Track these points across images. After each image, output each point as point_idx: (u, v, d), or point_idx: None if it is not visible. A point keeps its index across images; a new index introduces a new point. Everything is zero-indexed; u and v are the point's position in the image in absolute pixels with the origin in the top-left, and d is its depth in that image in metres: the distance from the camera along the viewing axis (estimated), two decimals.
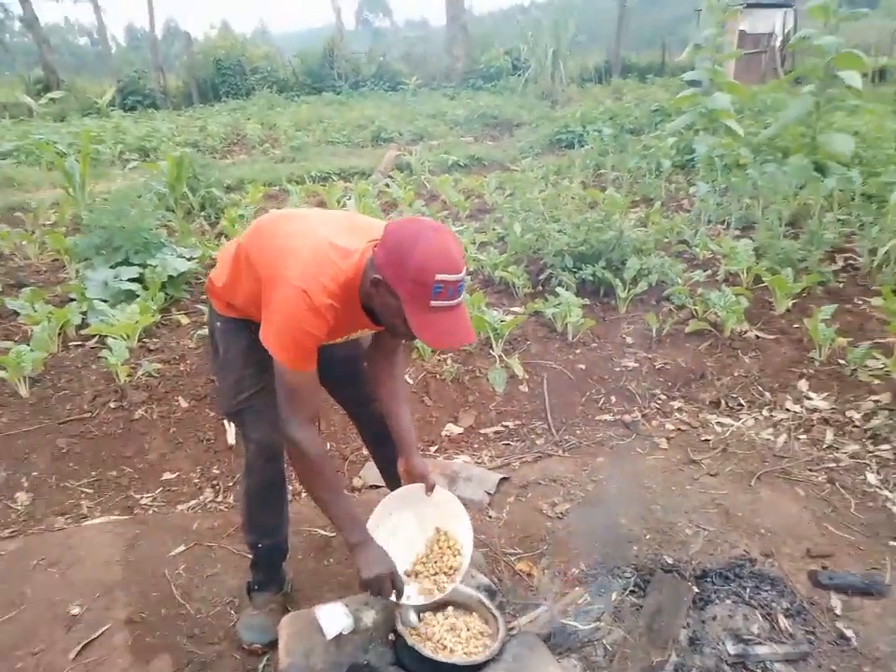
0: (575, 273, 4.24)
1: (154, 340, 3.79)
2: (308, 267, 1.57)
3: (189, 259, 4.62)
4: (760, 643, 1.88)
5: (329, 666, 1.74)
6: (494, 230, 5.27)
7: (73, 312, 3.77)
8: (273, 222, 1.81)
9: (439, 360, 3.51)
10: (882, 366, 3.24)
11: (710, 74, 7.71)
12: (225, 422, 3.15)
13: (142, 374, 3.33)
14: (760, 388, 3.34)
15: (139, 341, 3.70)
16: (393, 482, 2.12)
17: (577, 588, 2.10)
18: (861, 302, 3.96)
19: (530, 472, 2.83)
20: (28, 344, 3.36)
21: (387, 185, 7.32)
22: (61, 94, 14.91)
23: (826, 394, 3.21)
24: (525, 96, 15.18)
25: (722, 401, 3.28)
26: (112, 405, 3.18)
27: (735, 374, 3.45)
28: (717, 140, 7.05)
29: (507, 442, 3.12)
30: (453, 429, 3.20)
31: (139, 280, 4.24)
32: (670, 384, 3.45)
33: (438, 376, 3.44)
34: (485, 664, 1.70)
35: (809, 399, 3.20)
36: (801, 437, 2.96)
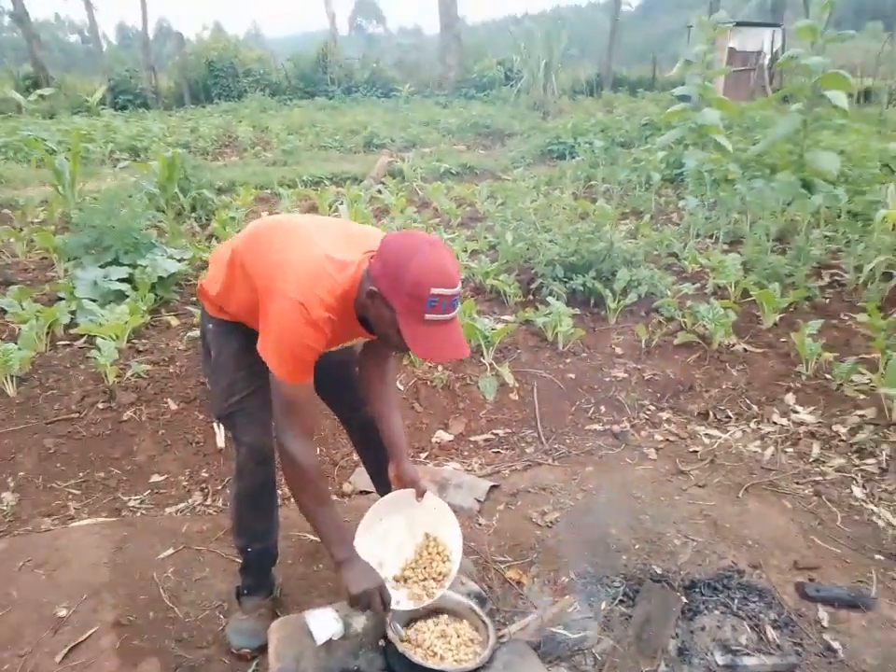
0: (566, 282, 4.27)
1: (143, 341, 3.76)
2: (305, 280, 1.57)
3: (179, 261, 4.60)
4: (748, 654, 1.89)
5: (320, 671, 1.73)
6: (485, 238, 5.30)
7: (61, 311, 3.74)
8: (269, 231, 1.80)
9: (430, 367, 3.52)
10: (867, 381, 3.29)
11: (700, 89, 7.82)
12: (214, 425, 3.13)
13: (131, 375, 3.30)
14: (747, 401, 3.38)
15: (128, 341, 3.67)
16: (383, 487, 2.12)
17: (567, 597, 2.10)
18: (846, 318, 4.02)
19: (520, 480, 2.84)
20: (15, 343, 3.32)
21: (379, 191, 7.34)
22: (51, 91, 14.79)
23: (812, 408, 3.25)
24: (517, 106, 15.29)
25: (711, 413, 3.31)
26: (100, 406, 3.15)
27: (723, 387, 3.49)
28: (706, 155, 7.15)
29: (497, 450, 3.13)
30: (443, 436, 3.21)
31: (129, 280, 4.22)
32: (659, 395, 3.48)
33: (428, 383, 3.45)
34: (476, 671, 1.71)
35: (796, 412, 3.24)
36: (788, 450, 2.99)
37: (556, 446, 3.12)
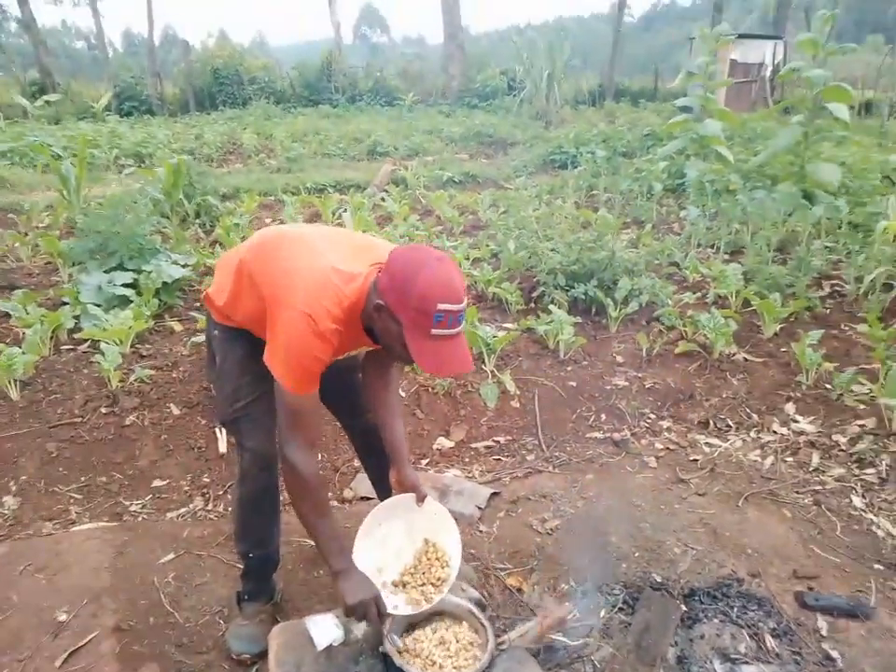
0: (567, 291, 4.29)
1: (147, 346, 3.78)
2: (313, 292, 1.59)
3: (183, 266, 4.62)
4: (747, 662, 1.89)
5: None
6: (487, 246, 5.32)
7: (66, 315, 3.76)
8: (276, 241, 1.81)
9: (431, 374, 3.53)
10: (868, 391, 3.30)
11: (702, 101, 7.87)
12: (216, 430, 3.14)
13: (134, 380, 3.32)
14: (747, 410, 3.39)
15: (132, 346, 3.69)
16: (385, 493, 2.13)
17: (567, 604, 2.11)
18: (847, 329, 4.03)
19: (520, 488, 2.85)
20: (19, 347, 3.34)
21: (383, 199, 7.37)
22: (57, 97, 14.87)
23: (812, 417, 3.26)
24: (519, 116, 15.35)
25: (711, 422, 3.32)
26: (103, 410, 3.16)
27: (724, 396, 3.50)
28: (707, 166, 7.18)
29: (498, 457, 3.14)
30: (444, 443, 3.22)
31: (133, 286, 4.24)
32: (659, 403, 3.49)
33: (430, 390, 3.46)
34: None
35: (796, 421, 3.25)
36: (788, 459, 3.00)
37: (557, 454, 3.12)
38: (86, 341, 3.71)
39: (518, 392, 3.49)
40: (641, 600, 2.12)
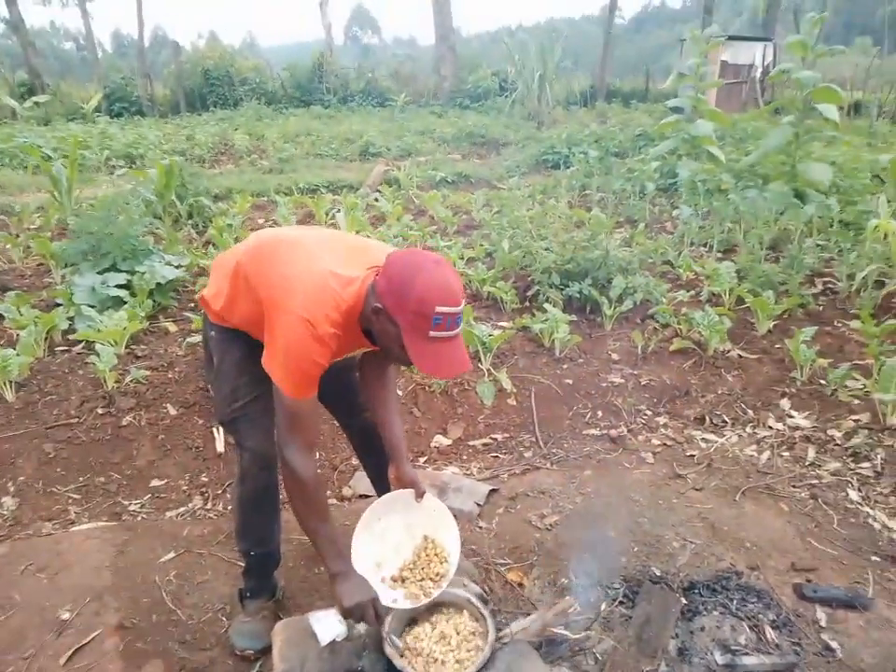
0: (562, 289, 4.31)
1: (142, 347, 3.77)
2: (311, 296, 1.59)
3: (177, 267, 4.61)
4: (747, 654, 1.91)
5: None
6: (481, 245, 5.34)
7: (60, 317, 3.74)
8: (273, 244, 1.80)
9: (430, 376, 3.54)
10: (861, 386, 3.33)
11: (693, 101, 7.93)
12: (214, 430, 3.14)
13: (130, 381, 3.31)
14: (743, 406, 3.41)
15: (127, 347, 3.68)
16: (384, 491, 2.13)
17: (567, 597, 2.12)
18: (840, 325, 4.07)
19: (519, 484, 2.86)
20: (14, 349, 3.33)
21: (376, 199, 7.38)
22: (46, 98, 14.77)
23: (808, 413, 3.29)
24: (511, 117, 15.40)
25: (707, 418, 3.34)
26: (100, 411, 3.15)
27: (719, 392, 3.52)
28: (699, 165, 7.23)
29: (495, 454, 3.15)
30: (442, 441, 3.23)
31: (127, 287, 4.22)
32: (655, 400, 3.51)
33: (427, 388, 3.47)
34: None
35: (791, 417, 3.28)
36: (784, 454, 3.03)
37: (554, 450, 3.14)
38: (80, 342, 3.70)
39: (514, 390, 3.50)
40: (641, 593, 2.13)
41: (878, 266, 4.39)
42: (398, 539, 2.00)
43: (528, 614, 2.06)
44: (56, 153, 8.30)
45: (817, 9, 6.02)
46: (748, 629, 1.99)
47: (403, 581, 1.93)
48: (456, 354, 1.59)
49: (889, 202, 5.38)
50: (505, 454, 3.15)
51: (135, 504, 2.76)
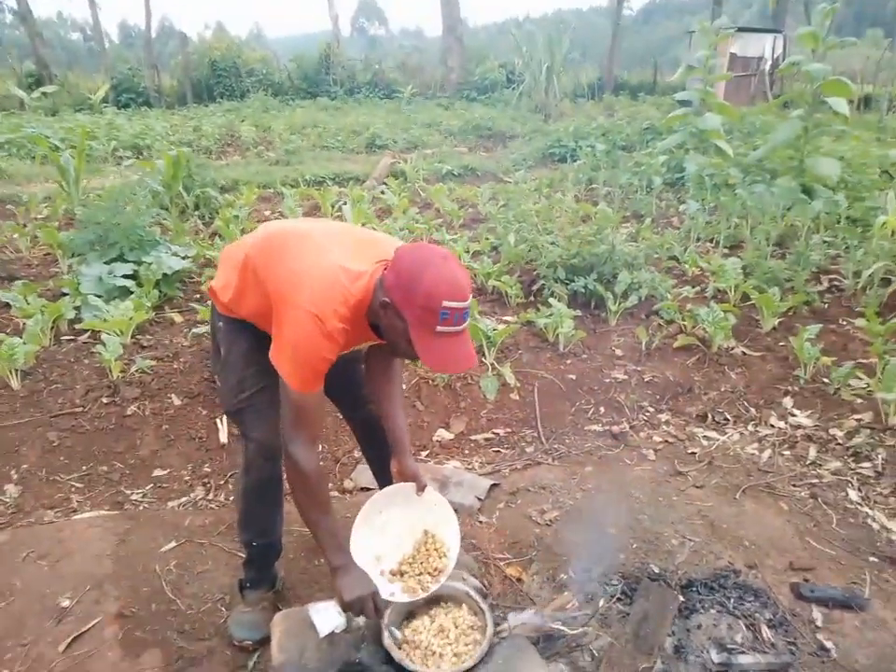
0: (567, 284, 4.30)
1: (147, 337, 3.78)
2: (320, 291, 1.60)
3: (183, 258, 4.63)
4: (743, 652, 1.91)
5: (323, 664, 1.76)
6: (487, 239, 5.33)
7: (66, 306, 3.76)
8: (283, 238, 1.81)
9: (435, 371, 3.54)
10: (865, 385, 3.32)
11: (701, 94, 7.87)
12: (217, 421, 3.16)
13: (135, 371, 3.33)
14: (745, 404, 3.41)
15: (132, 337, 3.70)
16: (386, 483, 2.14)
17: (566, 593, 2.13)
18: (845, 323, 4.05)
19: (520, 479, 2.87)
20: (20, 337, 3.35)
21: (382, 192, 7.36)
22: (54, 89, 14.81)
23: (810, 411, 3.28)
24: (518, 109, 15.34)
25: (709, 415, 3.34)
26: (104, 400, 3.17)
27: (722, 389, 3.52)
28: (707, 159, 7.18)
29: (497, 449, 3.15)
30: (444, 435, 3.23)
31: (133, 277, 4.24)
32: (658, 396, 3.51)
33: (430, 382, 3.47)
34: (475, 667, 1.73)
35: (793, 415, 3.27)
36: (785, 452, 3.02)
37: (556, 446, 3.14)
38: (86, 331, 3.72)
39: (518, 385, 3.50)
40: (639, 590, 2.14)
41: (885, 264, 4.36)
42: (398, 532, 2.01)
43: (527, 609, 2.07)
44: (64, 143, 8.31)
45: (827, 0, 5.93)
46: (744, 628, 2.00)
47: (402, 574, 1.94)
48: (463, 349, 1.59)
49: None
50: (507, 448, 3.16)
51: (138, 493, 2.78)
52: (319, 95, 18.01)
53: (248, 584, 2.09)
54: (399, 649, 1.77)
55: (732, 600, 2.10)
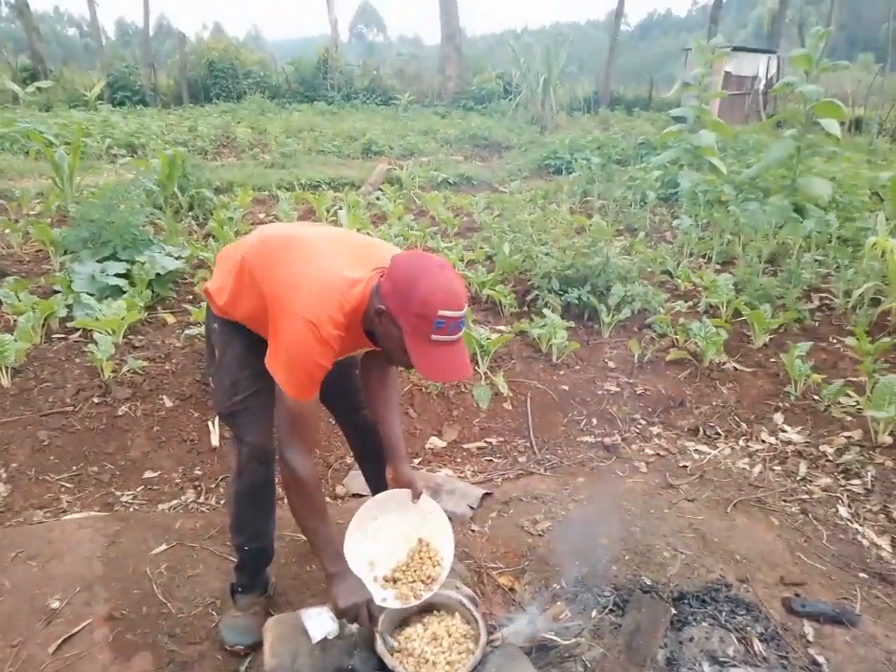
0: (561, 295, 4.32)
1: (139, 337, 3.76)
2: (316, 298, 1.60)
3: (177, 259, 4.60)
4: (735, 665, 1.92)
5: (315, 670, 1.75)
6: (482, 248, 5.35)
7: (58, 304, 3.73)
8: (280, 242, 1.81)
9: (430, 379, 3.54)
10: (854, 403, 3.36)
11: (696, 111, 7.98)
12: (209, 423, 3.14)
13: (127, 371, 3.30)
14: (737, 419, 3.43)
15: (124, 337, 3.67)
16: (379, 489, 2.13)
17: (558, 603, 2.13)
18: (835, 341, 4.10)
19: (512, 489, 2.87)
20: (11, 334, 3.31)
21: (378, 198, 7.38)
22: (49, 84, 14.73)
23: (800, 428, 3.31)
24: (514, 120, 15.44)
25: (700, 429, 3.36)
26: (95, 400, 3.14)
27: (714, 404, 3.54)
28: (700, 176, 7.27)
29: (489, 458, 3.16)
30: (436, 443, 3.23)
31: (126, 276, 4.21)
32: (650, 409, 3.53)
33: (423, 390, 3.47)
34: None
35: (784, 431, 3.30)
36: (776, 468, 3.05)
37: (548, 456, 3.15)
38: (77, 330, 3.69)
39: (511, 394, 3.51)
40: (631, 602, 2.14)
41: (875, 283, 4.42)
42: (392, 539, 2.00)
43: (519, 619, 2.07)
44: (58, 139, 8.26)
45: (821, 24, 6.05)
46: (736, 641, 2.01)
47: (395, 581, 1.93)
48: (457, 358, 1.60)
49: (887, 219, 5.43)
50: (499, 458, 3.16)
51: (128, 495, 2.75)
52: (316, 99, 18.02)
53: (240, 589, 2.08)
54: (392, 656, 1.77)
55: (724, 613, 2.11)
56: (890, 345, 3.57)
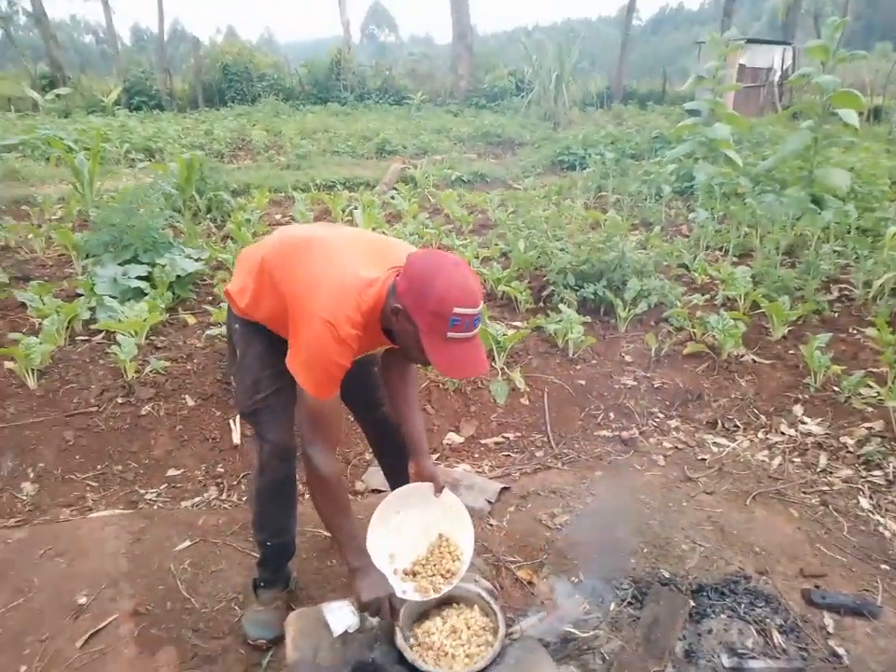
0: (577, 290, 4.32)
1: (161, 338, 3.82)
2: (335, 298, 1.62)
3: (196, 260, 4.67)
4: (754, 657, 1.93)
5: (336, 663, 1.78)
6: (497, 245, 5.35)
7: (82, 306, 3.80)
8: (298, 243, 1.84)
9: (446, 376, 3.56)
10: (875, 394, 3.32)
11: (711, 104, 7.90)
12: (231, 421, 3.18)
13: (150, 371, 3.36)
14: (755, 411, 3.41)
15: (146, 338, 3.73)
16: (397, 486, 2.15)
17: (577, 596, 2.14)
18: (855, 332, 4.06)
19: (530, 483, 2.88)
20: (36, 337, 3.39)
21: (392, 197, 7.41)
22: (67, 91, 14.95)
23: (820, 419, 3.29)
24: (527, 117, 15.40)
25: (719, 422, 3.35)
26: (119, 400, 3.20)
27: (732, 396, 3.52)
28: (716, 169, 7.20)
29: (507, 453, 3.17)
30: (454, 438, 3.25)
31: (147, 278, 4.28)
32: (668, 403, 3.52)
33: (441, 386, 3.49)
34: (486, 668, 1.74)
35: (804, 423, 3.28)
36: (795, 460, 3.03)
37: (566, 451, 3.16)
38: (101, 332, 3.75)
39: (528, 389, 3.52)
40: (650, 595, 2.15)
41: (895, 274, 4.36)
42: (413, 534, 2.02)
43: (538, 612, 2.09)
44: (77, 145, 8.39)
45: (837, 13, 5.96)
46: (755, 633, 2.01)
47: (415, 575, 1.95)
48: (474, 355, 1.61)
49: None
50: (517, 452, 3.17)
51: (152, 493, 2.81)
52: (330, 101, 18.10)
53: (262, 584, 2.11)
54: (412, 649, 1.79)
55: (742, 605, 2.11)
56: None
